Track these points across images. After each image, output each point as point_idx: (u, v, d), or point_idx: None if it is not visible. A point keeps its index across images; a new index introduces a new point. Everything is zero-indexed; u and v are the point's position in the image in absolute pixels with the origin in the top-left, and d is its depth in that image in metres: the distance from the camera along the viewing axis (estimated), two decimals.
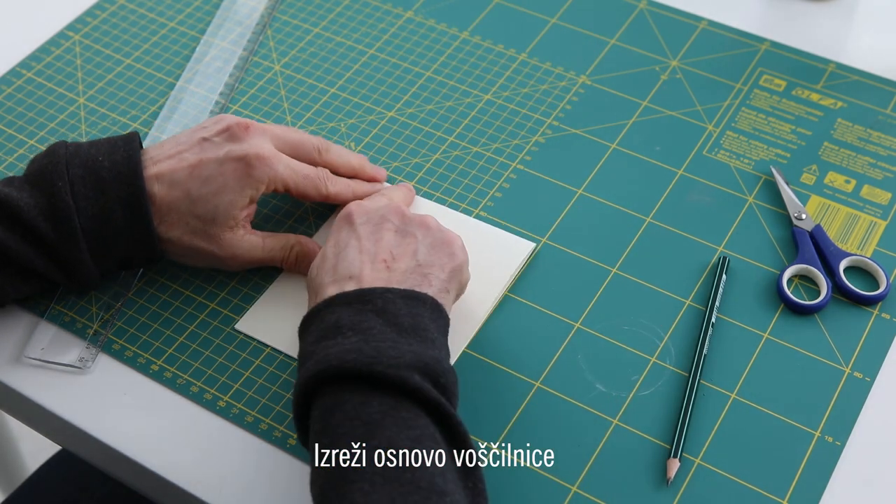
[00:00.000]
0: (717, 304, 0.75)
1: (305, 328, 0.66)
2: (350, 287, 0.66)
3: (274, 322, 0.76)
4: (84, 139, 0.87)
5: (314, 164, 0.78)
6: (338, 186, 0.78)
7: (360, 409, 0.60)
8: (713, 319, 0.74)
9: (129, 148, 0.73)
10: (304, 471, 0.68)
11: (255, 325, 0.75)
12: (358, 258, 0.68)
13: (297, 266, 0.77)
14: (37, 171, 0.72)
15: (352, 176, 0.80)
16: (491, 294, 0.76)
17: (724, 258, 0.77)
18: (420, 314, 0.65)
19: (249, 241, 0.75)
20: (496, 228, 0.80)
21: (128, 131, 0.79)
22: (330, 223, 0.80)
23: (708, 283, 0.77)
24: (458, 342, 0.74)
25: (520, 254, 0.78)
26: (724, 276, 0.76)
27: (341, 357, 0.61)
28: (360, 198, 0.79)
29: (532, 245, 0.78)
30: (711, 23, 0.95)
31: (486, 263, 0.77)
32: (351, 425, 0.59)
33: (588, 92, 0.90)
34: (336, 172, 0.79)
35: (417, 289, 0.66)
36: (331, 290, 0.66)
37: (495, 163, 0.85)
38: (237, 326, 0.75)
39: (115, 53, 0.94)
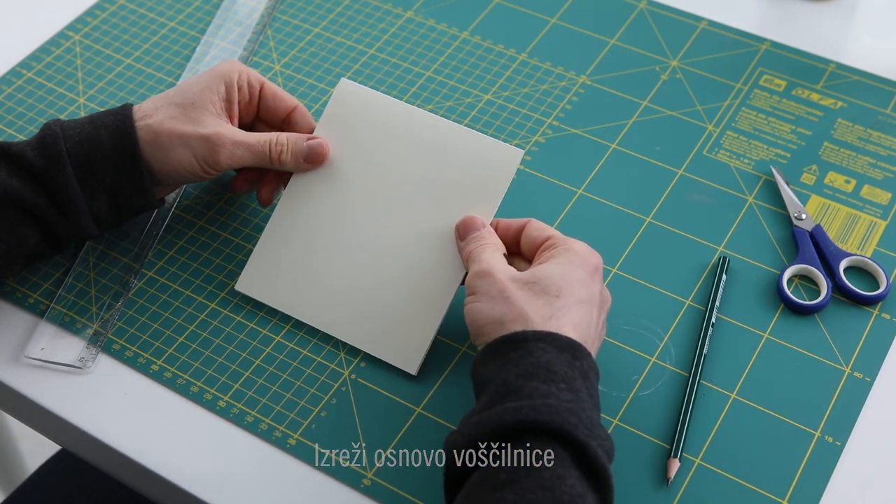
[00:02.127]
0: (717, 304, 0.75)
1: (505, 349, 0.63)
2: (564, 332, 0.64)
3: (273, 280, 0.76)
4: None
5: None
6: (308, 118, 0.79)
7: (558, 483, 0.57)
8: (713, 319, 0.74)
9: (121, 106, 0.76)
10: (304, 470, 0.69)
11: (254, 286, 0.76)
12: (595, 325, 0.67)
13: (284, 156, 0.76)
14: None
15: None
16: (491, 209, 0.74)
17: (725, 258, 0.77)
18: (597, 391, 0.65)
19: (233, 132, 0.75)
20: (483, 136, 0.76)
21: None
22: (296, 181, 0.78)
23: (708, 283, 0.77)
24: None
25: (511, 163, 0.75)
26: (724, 276, 0.76)
27: (564, 416, 0.58)
28: (312, 158, 0.77)
29: (521, 152, 0.75)
30: (711, 23, 0.95)
31: (479, 176, 0.75)
32: (542, 496, 0.56)
33: (588, 92, 0.90)
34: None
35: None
36: (542, 319, 0.64)
37: None
38: (237, 287, 0.76)
39: (116, 53, 0.94)
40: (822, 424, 0.70)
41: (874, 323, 0.75)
